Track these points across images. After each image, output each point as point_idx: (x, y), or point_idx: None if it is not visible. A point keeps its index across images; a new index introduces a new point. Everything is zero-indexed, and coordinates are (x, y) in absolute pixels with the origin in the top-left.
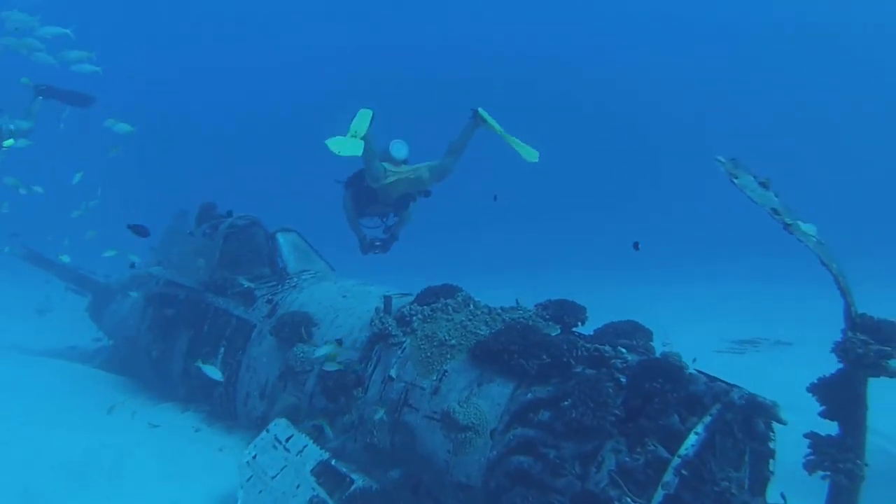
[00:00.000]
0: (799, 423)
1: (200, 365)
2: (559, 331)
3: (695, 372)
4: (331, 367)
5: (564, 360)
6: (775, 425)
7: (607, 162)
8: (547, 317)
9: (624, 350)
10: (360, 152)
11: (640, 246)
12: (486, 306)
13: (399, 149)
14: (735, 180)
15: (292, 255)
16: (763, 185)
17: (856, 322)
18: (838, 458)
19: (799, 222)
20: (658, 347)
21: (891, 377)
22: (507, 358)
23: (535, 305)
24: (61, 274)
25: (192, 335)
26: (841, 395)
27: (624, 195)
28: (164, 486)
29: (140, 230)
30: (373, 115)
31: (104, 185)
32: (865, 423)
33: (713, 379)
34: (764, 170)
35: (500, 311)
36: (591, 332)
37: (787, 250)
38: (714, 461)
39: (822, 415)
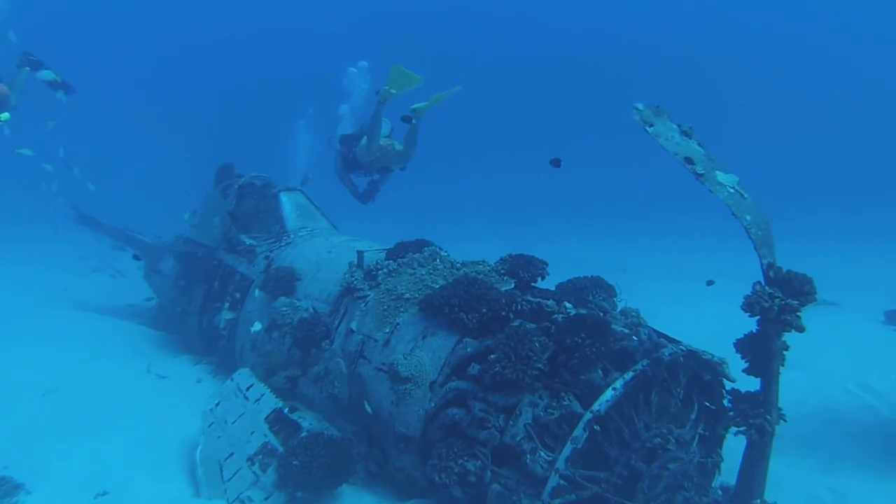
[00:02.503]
0: None
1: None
2: (513, 286)
3: (625, 329)
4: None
5: (503, 314)
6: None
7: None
8: (502, 271)
9: (569, 305)
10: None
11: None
12: (451, 261)
13: (384, 127)
14: (648, 128)
15: (293, 214)
16: (685, 133)
17: (768, 275)
18: (750, 413)
19: (718, 172)
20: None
21: (798, 332)
22: (447, 311)
23: (498, 260)
24: (112, 234)
25: (205, 291)
26: (757, 351)
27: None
28: (140, 429)
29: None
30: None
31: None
32: (778, 378)
33: (660, 335)
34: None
35: (460, 265)
36: (555, 287)
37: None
38: (648, 417)
39: (745, 371)
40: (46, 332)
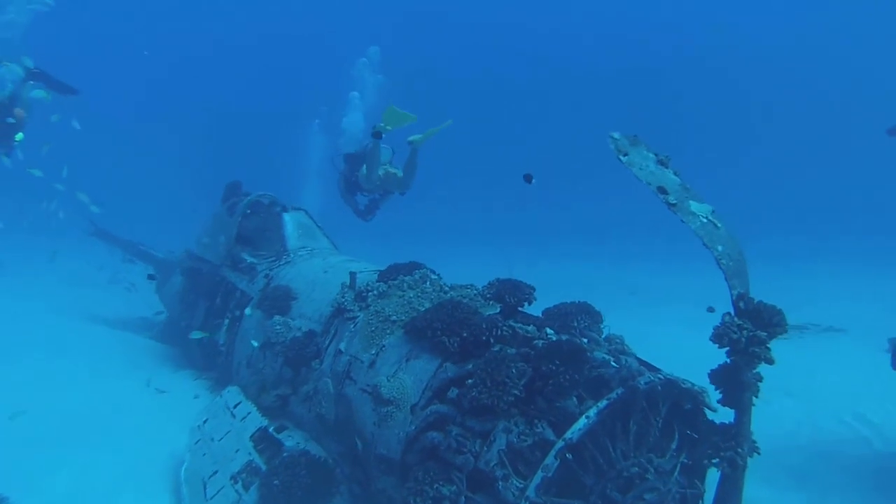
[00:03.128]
0: None
1: (195, 334)
2: (498, 310)
3: (607, 355)
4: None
5: (484, 338)
6: None
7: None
8: (488, 296)
9: (550, 331)
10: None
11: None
12: (441, 284)
13: (384, 153)
14: (622, 157)
15: (295, 233)
16: (662, 162)
17: (738, 306)
18: (721, 445)
19: (692, 202)
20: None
21: (768, 364)
22: (430, 335)
23: (486, 285)
24: (125, 248)
25: (207, 307)
26: (729, 382)
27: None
28: (132, 444)
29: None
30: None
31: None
32: (750, 410)
33: (642, 363)
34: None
35: (448, 288)
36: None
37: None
38: (626, 446)
39: (719, 402)
40: (49, 344)
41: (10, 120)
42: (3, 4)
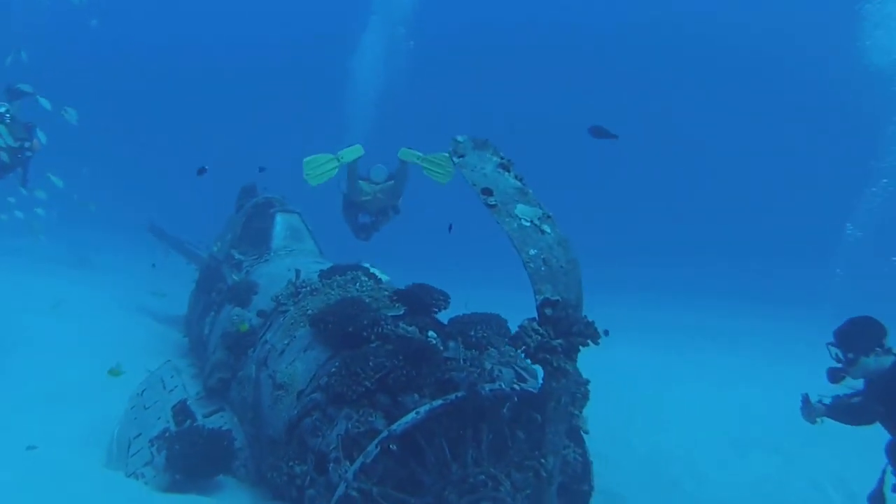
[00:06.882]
0: None
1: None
2: (401, 312)
3: (497, 364)
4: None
5: (364, 334)
6: None
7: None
8: (394, 297)
9: (433, 333)
10: (330, 176)
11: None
12: (371, 285)
13: (378, 173)
14: (456, 159)
15: (282, 234)
16: (503, 167)
17: (543, 312)
18: (527, 456)
19: (519, 205)
20: None
21: (562, 375)
22: (322, 327)
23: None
24: (175, 245)
25: (205, 301)
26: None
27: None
28: (97, 409)
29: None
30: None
31: None
32: (554, 421)
33: (523, 378)
34: None
35: (369, 287)
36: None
37: None
38: (477, 453)
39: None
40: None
41: (28, 154)
42: None
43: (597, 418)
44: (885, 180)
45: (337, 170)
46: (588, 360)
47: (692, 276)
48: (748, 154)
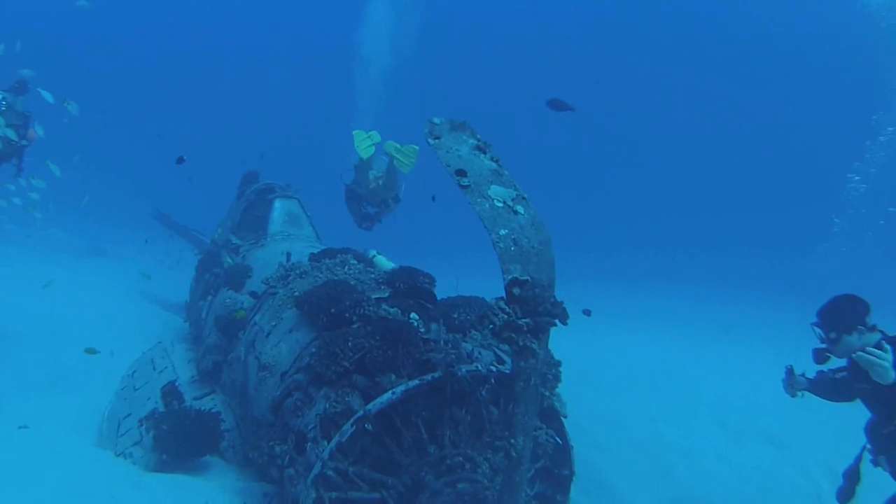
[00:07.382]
0: None
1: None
2: (387, 294)
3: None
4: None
5: (346, 315)
6: None
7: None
8: (381, 280)
9: (415, 315)
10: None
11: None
12: (358, 268)
13: (379, 164)
14: (431, 141)
15: (280, 219)
16: (480, 149)
17: (511, 291)
18: (497, 436)
19: (494, 186)
20: None
21: (530, 355)
22: (306, 309)
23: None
24: (180, 232)
25: (204, 286)
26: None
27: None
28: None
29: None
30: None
31: None
32: (523, 400)
33: (501, 361)
34: None
35: (357, 270)
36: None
37: None
38: (455, 435)
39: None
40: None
41: (24, 143)
42: None
43: (598, 406)
44: None
45: (374, 147)
46: (598, 348)
47: (717, 267)
48: (766, 148)
